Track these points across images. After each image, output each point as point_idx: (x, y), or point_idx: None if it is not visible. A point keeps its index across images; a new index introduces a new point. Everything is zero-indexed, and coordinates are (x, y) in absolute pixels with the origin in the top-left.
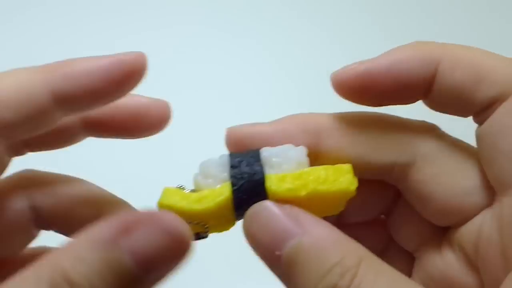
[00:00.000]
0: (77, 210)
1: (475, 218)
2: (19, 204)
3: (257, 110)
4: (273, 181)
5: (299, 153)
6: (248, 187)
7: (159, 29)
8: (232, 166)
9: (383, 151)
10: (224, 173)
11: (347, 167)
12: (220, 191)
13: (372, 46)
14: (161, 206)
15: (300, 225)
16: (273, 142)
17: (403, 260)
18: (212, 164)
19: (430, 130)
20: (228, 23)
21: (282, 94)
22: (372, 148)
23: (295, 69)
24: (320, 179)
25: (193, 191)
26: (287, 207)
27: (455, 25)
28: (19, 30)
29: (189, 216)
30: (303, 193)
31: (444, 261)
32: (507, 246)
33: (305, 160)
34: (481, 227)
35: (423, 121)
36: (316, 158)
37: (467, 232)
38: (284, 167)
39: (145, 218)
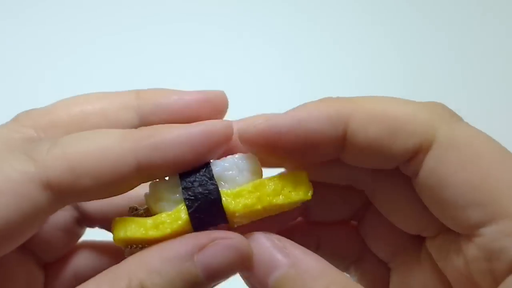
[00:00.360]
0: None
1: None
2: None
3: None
4: (229, 199)
5: (251, 162)
6: (204, 208)
7: (161, 27)
8: (184, 188)
9: (409, 137)
10: (176, 195)
11: (303, 175)
12: (176, 215)
13: (372, 46)
14: (118, 241)
15: (287, 256)
16: (292, 135)
17: (379, 270)
18: (162, 186)
19: (452, 116)
20: (228, 22)
21: (283, 93)
22: (399, 136)
23: (295, 68)
24: (276, 191)
25: (147, 210)
26: (275, 237)
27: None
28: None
29: (149, 242)
30: (259, 207)
31: (424, 273)
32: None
33: (258, 167)
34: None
35: (445, 106)
36: (341, 146)
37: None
38: (238, 180)
39: (218, 236)
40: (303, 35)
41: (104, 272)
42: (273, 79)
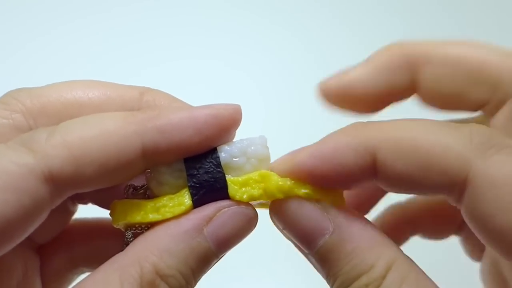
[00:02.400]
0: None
1: None
2: None
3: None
4: (236, 187)
5: (260, 148)
6: (209, 195)
7: (160, 30)
8: (190, 175)
9: (441, 176)
10: (179, 179)
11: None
12: (180, 200)
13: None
14: (117, 225)
15: (332, 222)
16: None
17: None
18: (166, 170)
19: (490, 141)
20: (229, 21)
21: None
22: (429, 175)
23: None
24: (282, 188)
25: (146, 189)
26: (318, 201)
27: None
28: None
29: (149, 224)
30: (264, 198)
31: None
32: None
33: (267, 153)
34: None
35: (485, 134)
36: (372, 174)
37: None
38: (246, 167)
39: (224, 205)
40: (311, 38)
41: (110, 260)
42: (277, 83)
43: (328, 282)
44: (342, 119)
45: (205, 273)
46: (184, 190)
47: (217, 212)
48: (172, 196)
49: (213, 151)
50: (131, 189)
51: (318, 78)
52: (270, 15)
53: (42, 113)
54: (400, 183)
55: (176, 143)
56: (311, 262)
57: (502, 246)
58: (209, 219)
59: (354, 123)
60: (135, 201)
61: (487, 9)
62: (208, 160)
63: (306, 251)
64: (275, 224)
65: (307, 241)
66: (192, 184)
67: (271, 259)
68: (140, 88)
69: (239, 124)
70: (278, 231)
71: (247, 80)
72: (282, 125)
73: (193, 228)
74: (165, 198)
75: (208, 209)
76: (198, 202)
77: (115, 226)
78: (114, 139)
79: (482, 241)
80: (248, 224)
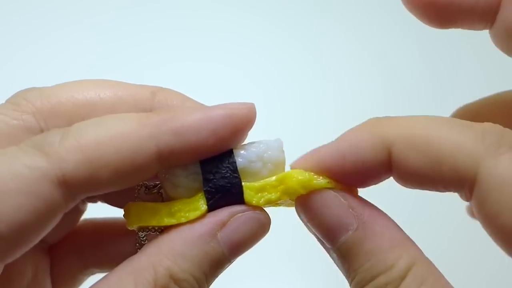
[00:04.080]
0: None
1: None
2: None
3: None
4: (252, 193)
5: (276, 153)
6: (225, 200)
7: (162, 32)
8: (206, 179)
9: (451, 172)
10: (195, 183)
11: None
12: (195, 205)
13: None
14: (131, 227)
15: (356, 218)
16: (337, 168)
17: None
18: (181, 173)
19: (499, 141)
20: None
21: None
22: (441, 169)
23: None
24: (302, 182)
25: (159, 188)
26: (344, 194)
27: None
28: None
29: (164, 227)
30: (284, 198)
31: None
32: None
33: (283, 158)
34: None
35: (498, 133)
36: (389, 169)
37: None
38: (263, 172)
39: (238, 210)
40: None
41: (124, 263)
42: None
43: (348, 279)
44: (348, 122)
45: (217, 277)
46: (200, 195)
47: (231, 217)
48: (188, 200)
49: (229, 154)
50: (144, 188)
51: (325, 80)
52: (281, 16)
53: (53, 114)
54: (413, 178)
55: (191, 145)
56: (332, 257)
57: (507, 244)
58: (223, 224)
59: (371, 119)
60: (150, 204)
61: None
62: (224, 165)
63: (328, 246)
64: (300, 218)
65: (330, 236)
66: (208, 188)
67: (276, 259)
68: (152, 87)
69: (253, 123)
70: (284, 232)
71: (254, 80)
72: (292, 125)
73: (207, 233)
74: (180, 203)
75: (222, 214)
76: (212, 206)
77: (129, 227)
78: (129, 143)
79: (491, 237)
80: (261, 229)
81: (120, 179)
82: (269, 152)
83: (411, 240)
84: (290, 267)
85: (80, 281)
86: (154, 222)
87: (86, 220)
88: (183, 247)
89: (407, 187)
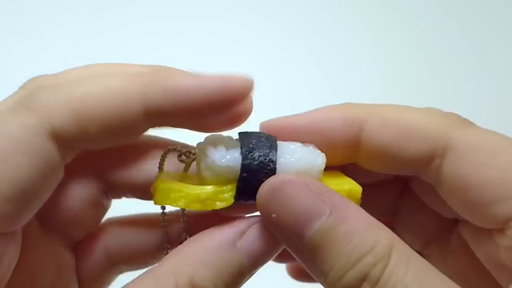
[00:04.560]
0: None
1: None
2: (89, 179)
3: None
4: None
5: (315, 173)
6: (251, 199)
7: (164, 29)
8: (242, 178)
9: (423, 142)
10: (230, 174)
11: (341, 174)
12: (223, 196)
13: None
14: (158, 204)
15: (328, 204)
16: (307, 134)
17: None
18: (222, 163)
19: (465, 122)
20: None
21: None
22: (412, 140)
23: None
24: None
25: (192, 160)
26: (312, 181)
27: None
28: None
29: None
30: None
31: (457, 258)
32: None
33: (318, 178)
34: None
35: (457, 114)
36: (355, 148)
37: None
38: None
39: (257, 220)
40: (316, 33)
41: (148, 271)
42: (282, 77)
43: (319, 275)
44: None
45: (239, 286)
46: (231, 187)
47: (249, 227)
48: (217, 189)
49: (271, 163)
50: (178, 154)
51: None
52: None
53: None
54: (382, 155)
55: (180, 107)
56: (299, 256)
57: (483, 207)
58: (242, 234)
59: (344, 103)
60: (179, 185)
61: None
62: (264, 171)
63: (297, 242)
64: (262, 213)
65: (301, 227)
66: (241, 186)
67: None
68: (153, 67)
69: (248, 94)
70: None
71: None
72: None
73: (227, 242)
74: (209, 189)
75: (241, 223)
76: (238, 201)
77: (155, 204)
78: (117, 98)
79: (463, 213)
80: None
81: (108, 133)
82: (308, 169)
83: (383, 224)
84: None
85: (109, 280)
86: (181, 204)
87: (110, 219)
88: (204, 256)
89: (373, 168)
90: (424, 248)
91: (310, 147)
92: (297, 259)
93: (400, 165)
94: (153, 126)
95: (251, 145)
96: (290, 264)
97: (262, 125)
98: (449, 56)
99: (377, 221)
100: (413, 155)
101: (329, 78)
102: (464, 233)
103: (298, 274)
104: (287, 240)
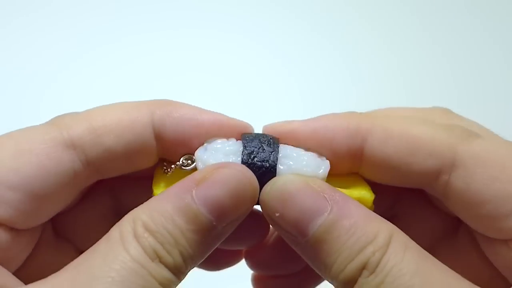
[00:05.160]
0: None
1: None
2: (103, 197)
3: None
4: None
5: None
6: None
7: (164, 31)
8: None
9: (428, 158)
10: None
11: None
12: None
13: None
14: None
15: (329, 200)
16: (310, 142)
17: None
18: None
19: (470, 135)
20: (232, 23)
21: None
22: (418, 156)
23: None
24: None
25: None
26: (312, 179)
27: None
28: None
29: None
30: None
31: (465, 258)
32: None
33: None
34: None
35: (461, 126)
36: (358, 159)
37: None
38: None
39: (217, 166)
40: (312, 39)
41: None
42: (281, 86)
43: (323, 270)
44: None
45: (210, 247)
46: None
47: (209, 174)
48: None
49: (272, 169)
50: (180, 164)
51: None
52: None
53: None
54: (386, 168)
55: (182, 128)
56: (303, 253)
57: (496, 221)
58: (200, 181)
59: (348, 111)
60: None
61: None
62: (264, 180)
63: (301, 239)
64: (265, 213)
65: (304, 224)
66: None
67: None
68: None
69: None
70: None
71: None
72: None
73: (182, 189)
74: None
75: (201, 171)
76: None
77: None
78: (129, 114)
79: (475, 226)
80: (242, 186)
81: (121, 145)
82: (311, 175)
83: (381, 217)
84: None
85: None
86: None
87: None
88: (159, 203)
89: (377, 179)
90: (431, 245)
91: (314, 155)
92: (301, 255)
93: (404, 179)
94: (164, 152)
95: (252, 153)
96: (255, 275)
97: (265, 128)
98: (449, 56)
99: (377, 215)
100: (419, 170)
101: (329, 78)
102: (473, 233)
103: (263, 284)
104: (291, 237)
